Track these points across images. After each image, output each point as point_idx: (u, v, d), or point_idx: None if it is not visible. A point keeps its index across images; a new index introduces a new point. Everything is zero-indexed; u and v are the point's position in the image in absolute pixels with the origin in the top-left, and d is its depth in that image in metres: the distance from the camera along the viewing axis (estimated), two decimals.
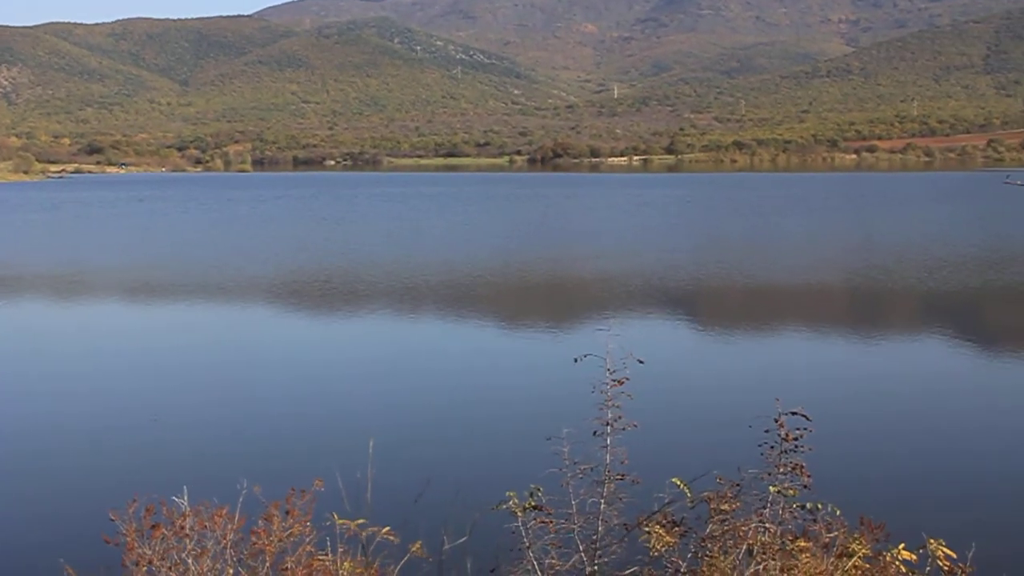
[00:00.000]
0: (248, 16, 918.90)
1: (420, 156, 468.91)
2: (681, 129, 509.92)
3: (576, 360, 12.08)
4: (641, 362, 12.58)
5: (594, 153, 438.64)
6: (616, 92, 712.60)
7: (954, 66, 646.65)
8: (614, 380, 12.01)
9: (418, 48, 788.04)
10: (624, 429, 11.80)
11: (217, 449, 26.49)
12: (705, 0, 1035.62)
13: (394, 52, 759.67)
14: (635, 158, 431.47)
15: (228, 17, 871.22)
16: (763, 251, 76.19)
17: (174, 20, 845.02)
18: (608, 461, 11.66)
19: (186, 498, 10.99)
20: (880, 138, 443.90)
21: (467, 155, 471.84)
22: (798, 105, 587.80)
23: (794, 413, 11.87)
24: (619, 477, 11.73)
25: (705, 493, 11.54)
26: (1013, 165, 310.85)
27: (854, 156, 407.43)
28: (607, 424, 11.81)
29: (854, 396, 31.31)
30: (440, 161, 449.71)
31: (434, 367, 36.76)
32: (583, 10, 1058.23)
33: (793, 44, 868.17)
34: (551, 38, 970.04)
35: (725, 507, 11.53)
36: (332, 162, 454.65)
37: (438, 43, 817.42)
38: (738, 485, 11.63)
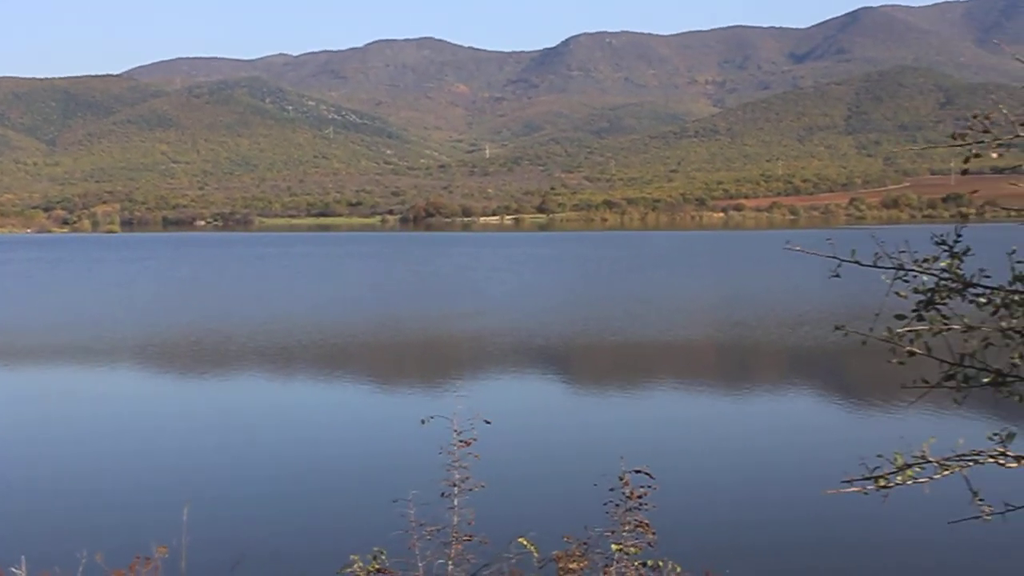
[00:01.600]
0: (117, 75, 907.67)
1: (292, 216, 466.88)
2: (552, 188, 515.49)
3: (423, 422, 12.09)
4: (488, 422, 12.63)
5: (466, 212, 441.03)
6: (488, 152, 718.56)
7: (817, 127, 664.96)
8: (461, 441, 12.06)
9: (290, 108, 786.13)
10: (471, 490, 11.83)
11: (61, 516, 25.84)
12: (575, 61, 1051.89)
13: (265, 112, 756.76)
14: (507, 217, 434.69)
15: (96, 76, 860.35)
16: (627, 308, 77.01)
17: (41, 79, 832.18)
18: (455, 522, 11.68)
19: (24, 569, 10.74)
20: (746, 197, 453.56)
21: (339, 215, 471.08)
22: (667, 164, 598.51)
23: (638, 471, 12.03)
24: (466, 538, 11.75)
25: (553, 553, 11.60)
26: (874, 223, 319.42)
27: (721, 214, 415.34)
28: (454, 485, 11.83)
29: (705, 451, 31.85)
30: (312, 221, 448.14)
31: (288, 429, 36.35)
32: (454, 71, 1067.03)
33: (661, 105, 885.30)
34: (423, 98, 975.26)
35: (572, 566, 11.61)
36: (202, 222, 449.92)
37: (310, 103, 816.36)
38: (585, 544, 11.72)
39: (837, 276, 8.02)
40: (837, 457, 30.98)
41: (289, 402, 41.78)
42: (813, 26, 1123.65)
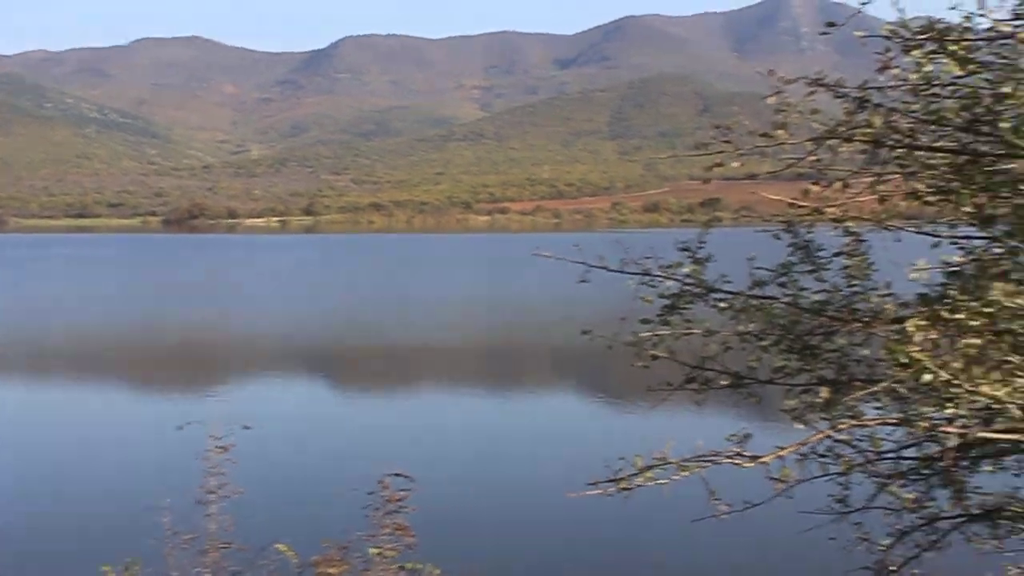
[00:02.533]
0: None
1: (50, 217, 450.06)
2: (319, 191, 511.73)
3: (180, 428, 11.85)
4: (247, 428, 12.46)
5: (232, 214, 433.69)
6: (254, 153, 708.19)
7: (582, 132, 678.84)
8: (218, 447, 11.85)
9: (48, 106, 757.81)
10: (229, 496, 11.65)
11: None
12: (343, 63, 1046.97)
13: (22, 109, 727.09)
14: (273, 219, 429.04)
15: None
16: (390, 312, 77.05)
17: None
18: (212, 530, 11.47)
19: None
20: (512, 200, 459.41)
21: (99, 215, 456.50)
22: (434, 167, 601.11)
23: (397, 474, 12.03)
24: (223, 545, 11.56)
25: (311, 558, 11.51)
26: (635, 226, 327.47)
27: (487, 217, 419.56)
28: (211, 492, 11.62)
29: (465, 454, 32.12)
30: (71, 222, 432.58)
31: (36, 437, 35.03)
32: (221, 70, 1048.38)
33: (429, 108, 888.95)
34: (189, 98, 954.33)
35: (331, 571, 11.54)
36: None
37: (69, 100, 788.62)
38: (344, 548, 11.66)
39: (586, 281, 8.16)
40: (589, 459, 31.69)
41: (37, 409, 40.23)
42: (579, 33, 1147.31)
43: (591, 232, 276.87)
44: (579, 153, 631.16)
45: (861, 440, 7.68)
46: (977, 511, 8.64)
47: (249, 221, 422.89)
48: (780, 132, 7.43)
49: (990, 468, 8.50)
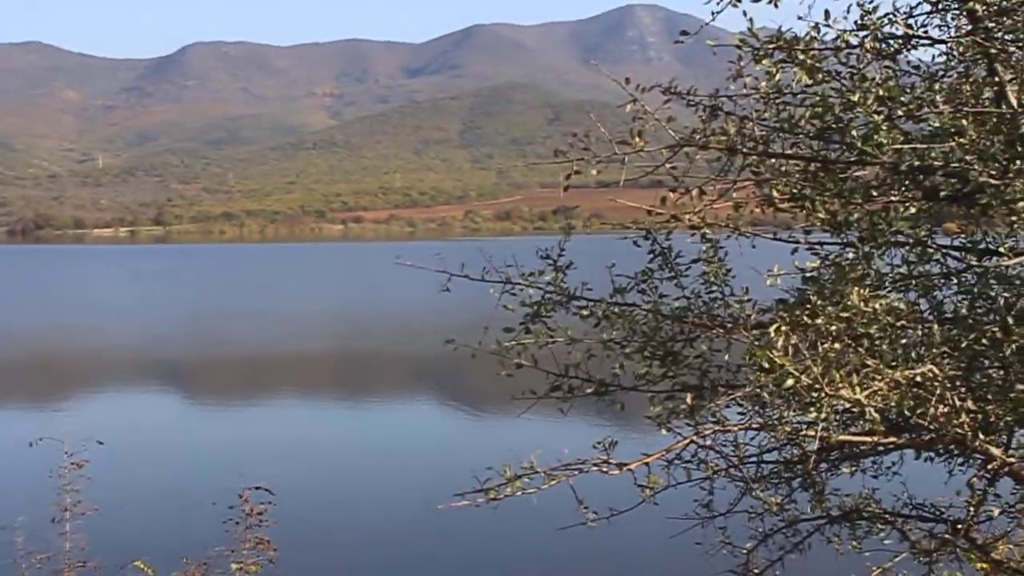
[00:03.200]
0: None
1: None
2: (169, 200, 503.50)
3: (31, 444, 11.53)
4: (101, 443, 12.20)
5: (79, 224, 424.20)
6: (101, 162, 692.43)
7: (433, 140, 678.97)
8: (72, 463, 11.58)
9: None
10: (84, 514, 11.40)
11: None
12: (191, 70, 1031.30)
13: None
14: (122, 229, 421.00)
15: None
16: (247, 322, 76.09)
17: None
18: (67, 548, 11.22)
19: None
20: (366, 209, 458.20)
21: None
22: (286, 176, 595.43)
23: (258, 488, 11.87)
24: (80, 564, 11.33)
25: (172, 574, 11.34)
26: (489, 234, 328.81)
27: (341, 226, 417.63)
28: (65, 510, 11.37)
29: (328, 466, 31.92)
30: None
31: None
32: (64, 76, 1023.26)
33: (280, 116, 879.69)
34: (29, 105, 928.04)
35: None
36: None
37: None
38: (205, 564, 11.49)
39: (447, 290, 8.11)
40: (456, 469, 31.68)
41: None
42: (428, 41, 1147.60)
43: (446, 240, 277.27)
44: (431, 161, 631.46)
45: (725, 445, 7.78)
46: (836, 513, 8.83)
47: (97, 231, 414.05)
48: (637, 140, 7.48)
49: (849, 470, 8.69)
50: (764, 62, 7.68)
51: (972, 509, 8.43)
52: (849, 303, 6.39)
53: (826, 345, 6.23)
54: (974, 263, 7.80)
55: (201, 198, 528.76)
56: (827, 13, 7.72)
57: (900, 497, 8.88)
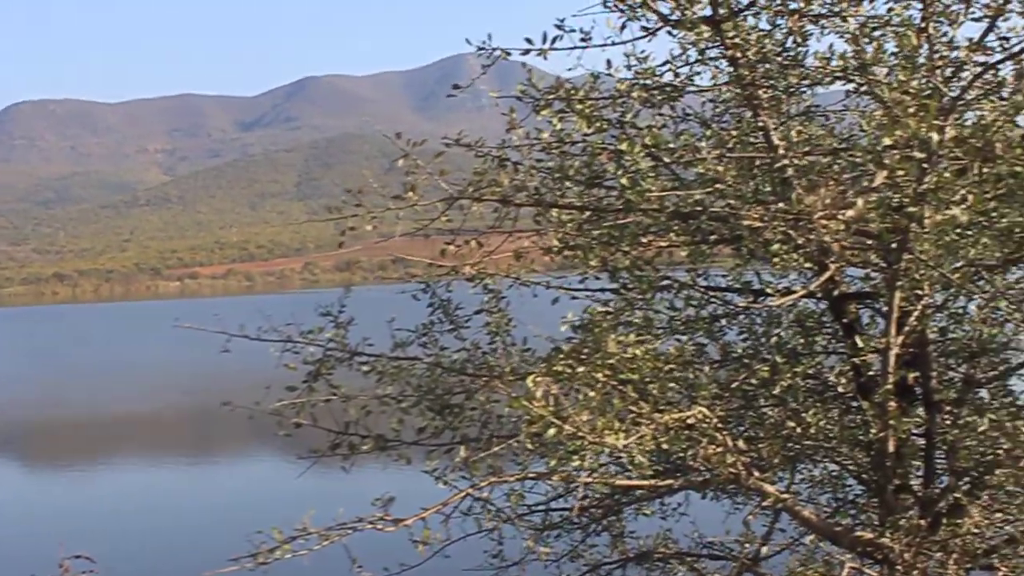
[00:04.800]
0: None
1: None
2: None
3: None
4: None
5: None
6: None
7: (269, 193, 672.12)
8: None
9: None
10: None
11: None
12: (17, 130, 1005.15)
13: None
14: None
15: None
16: (74, 385, 74.07)
17: None
18: None
19: None
20: (202, 264, 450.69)
21: None
22: (119, 234, 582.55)
23: (78, 556, 11.50)
24: None
25: None
26: (328, 286, 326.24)
27: (178, 283, 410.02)
28: None
29: (145, 530, 31.10)
30: None
31: None
32: None
33: (111, 174, 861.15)
34: None
35: None
36: None
37: None
38: None
39: (227, 351, 7.98)
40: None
41: None
42: (261, 95, 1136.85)
43: (284, 293, 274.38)
44: (268, 215, 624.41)
45: (511, 495, 7.77)
46: (634, 554, 8.90)
47: None
48: (411, 194, 7.48)
49: (648, 512, 8.79)
50: (544, 112, 7.77)
51: (759, 546, 8.58)
52: (610, 350, 6.44)
53: (591, 393, 6.25)
54: (741, 305, 7.96)
55: (31, 259, 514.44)
56: (608, 63, 7.85)
57: (692, 537, 9.00)
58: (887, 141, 5.97)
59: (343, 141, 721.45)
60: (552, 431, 5.90)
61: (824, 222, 5.86)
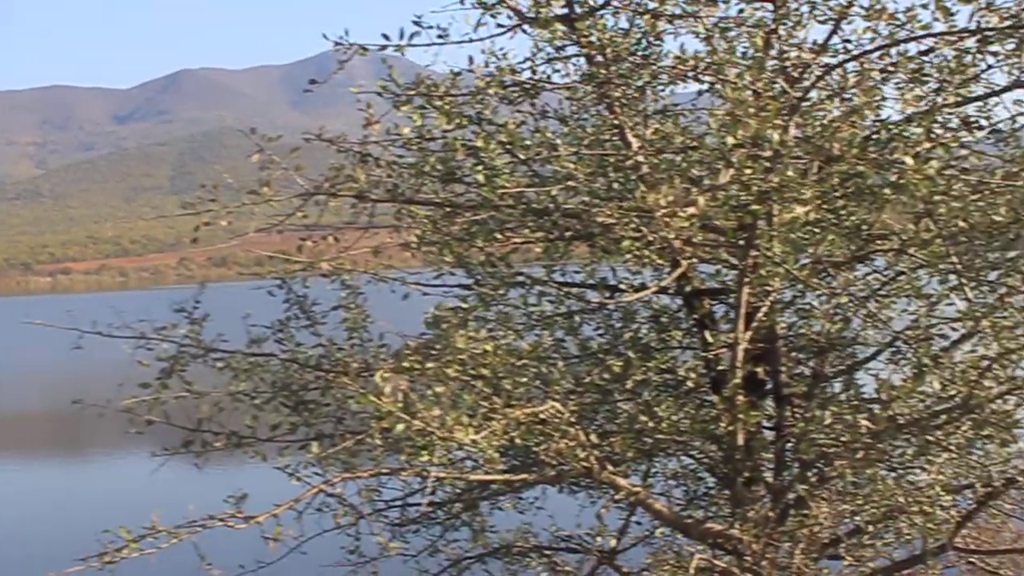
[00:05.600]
0: None
1: None
2: None
3: None
4: None
5: None
6: None
7: (143, 188, 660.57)
8: None
9: None
10: None
11: None
12: None
13: None
14: None
15: None
16: None
17: None
18: None
19: None
20: (75, 260, 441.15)
21: None
22: None
23: None
24: None
25: None
26: (205, 281, 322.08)
27: (49, 279, 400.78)
28: None
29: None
30: None
31: None
32: None
33: None
34: None
35: None
36: None
37: None
38: None
39: (80, 348, 7.84)
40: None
41: None
42: (135, 87, 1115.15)
43: (160, 288, 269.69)
44: (141, 209, 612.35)
45: (371, 490, 7.75)
46: (495, 547, 8.94)
47: None
48: (266, 189, 7.43)
49: (505, 507, 8.84)
50: (404, 107, 7.76)
51: (616, 539, 8.68)
52: (458, 346, 6.45)
53: (435, 389, 6.27)
54: (596, 301, 8.04)
55: None
56: (471, 60, 7.86)
57: (550, 531, 9.06)
58: (731, 140, 6.08)
59: (218, 135, 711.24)
60: (401, 427, 5.92)
61: (668, 219, 5.95)
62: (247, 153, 7.96)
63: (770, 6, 7.37)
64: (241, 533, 6.85)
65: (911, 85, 7.04)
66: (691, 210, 5.95)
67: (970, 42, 6.99)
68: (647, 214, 6.33)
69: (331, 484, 6.98)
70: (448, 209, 7.66)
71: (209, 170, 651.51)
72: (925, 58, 7.13)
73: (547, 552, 9.00)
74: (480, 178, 7.24)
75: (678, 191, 6.05)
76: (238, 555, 7.50)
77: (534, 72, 7.93)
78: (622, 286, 8.06)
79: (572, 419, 6.97)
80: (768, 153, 6.17)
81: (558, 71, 8.11)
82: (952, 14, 6.68)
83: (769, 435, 8.26)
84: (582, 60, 7.70)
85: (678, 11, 7.54)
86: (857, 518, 8.14)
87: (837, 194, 7.36)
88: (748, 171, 6.38)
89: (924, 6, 6.89)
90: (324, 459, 6.97)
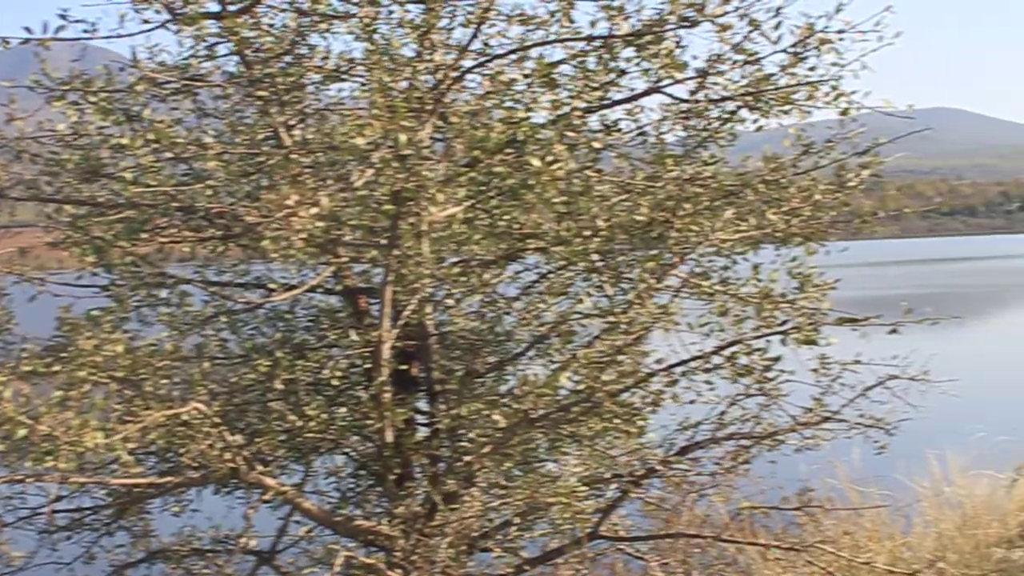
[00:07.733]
0: None
1: None
2: None
3: None
4: None
5: None
6: None
7: None
8: None
9: None
10: None
11: None
12: None
13: None
14: None
15: None
16: None
17: None
18: None
19: None
20: None
21: None
22: None
23: None
24: None
25: None
26: None
27: None
28: None
29: None
30: None
31: None
32: None
33: None
34: None
35: None
36: None
37: None
38: None
39: None
40: None
41: None
42: None
43: None
44: None
45: (6, 498, 7.49)
46: (155, 551, 8.74)
47: None
48: None
49: (177, 508, 8.63)
50: (57, 103, 7.50)
51: (275, 539, 8.63)
52: (82, 348, 6.27)
53: (70, 392, 6.09)
54: (242, 301, 7.97)
55: None
56: (135, 55, 7.64)
57: (210, 534, 8.91)
58: (360, 141, 6.12)
59: None
60: (22, 431, 5.72)
61: (290, 219, 5.94)
62: None
63: (421, 7, 7.45)
64: None
65: (543, 90, 7.22)
66: (313, 210, 5.96)
67: (601, 50, 7.27)
68: (270, 215, 6.27)
69: None
70: (90, 208, 7.43)
71: None
72: (558, 67, 7.35)
73: (209, 554, 8.84)
74: (128, 176, 7.05)
75: (300, 192, 6.05)
76: None
77: (186, 70, 7.79)
78: (272, 286, 8.03)
79: (216, 420, 6.88)
80: (401, 155, 6.23)
81: (219, 68, 8.01)
82: (573, 21, 6.93)
83: (425, 432, 8.37)
84: (237, 58, 7.62)
85: (329, 11, 7.56)
86: (506, 511, 8.30)
87: (491, 195, 7.49)
88: (389, 172, 6.43)
89: (552, 13, 7.12)
90: None
